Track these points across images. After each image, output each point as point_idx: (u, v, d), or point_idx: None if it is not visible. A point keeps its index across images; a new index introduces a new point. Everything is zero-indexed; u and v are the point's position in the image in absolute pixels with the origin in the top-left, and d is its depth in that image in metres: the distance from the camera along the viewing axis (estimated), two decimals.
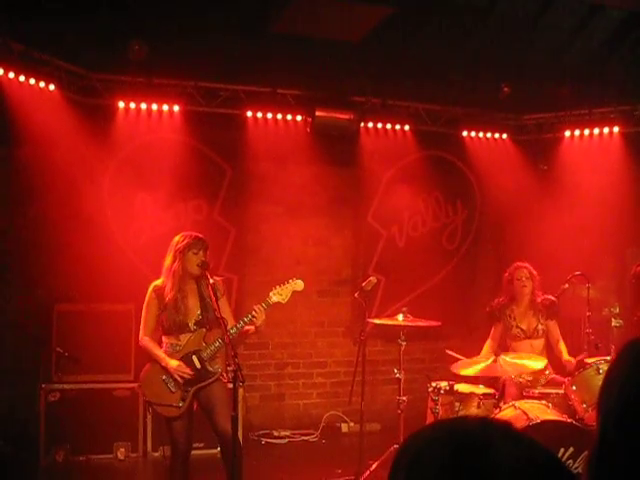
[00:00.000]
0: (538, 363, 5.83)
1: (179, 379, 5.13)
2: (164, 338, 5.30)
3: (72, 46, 7.09)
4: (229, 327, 5.06)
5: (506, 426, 1.16)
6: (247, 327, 5.22)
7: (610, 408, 1.49)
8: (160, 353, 5.20)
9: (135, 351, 7.31)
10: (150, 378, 5.27)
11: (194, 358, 5.17)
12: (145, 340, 5.28)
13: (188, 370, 5.13)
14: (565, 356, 6.42)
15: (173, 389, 5.16)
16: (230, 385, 4.80)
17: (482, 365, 5.83)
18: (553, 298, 6.57)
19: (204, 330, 5.22)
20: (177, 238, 5.31)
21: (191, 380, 5.16)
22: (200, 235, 5.33)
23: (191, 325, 5.22)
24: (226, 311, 5.24)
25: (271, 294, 5.28)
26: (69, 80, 7.36)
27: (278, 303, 5.29)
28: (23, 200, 7.31)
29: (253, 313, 5.17)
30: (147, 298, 5.31)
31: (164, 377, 5.18)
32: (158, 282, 5.31)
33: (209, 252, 5.32)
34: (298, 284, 5.36)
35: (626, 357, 1.57)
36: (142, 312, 5.36)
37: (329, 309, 8.83)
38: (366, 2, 7.28)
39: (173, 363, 5.14)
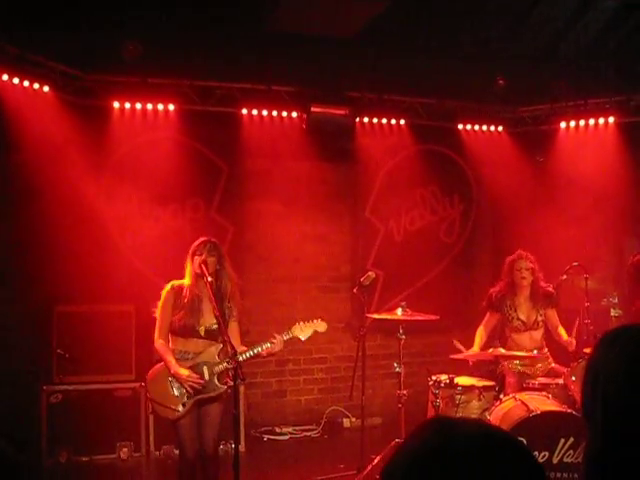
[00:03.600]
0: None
1: (189, 389, 5.11)
2: (171, 339, 5.25)
3: (66, 47, 7.08)
4: (243, 350, 5.09)
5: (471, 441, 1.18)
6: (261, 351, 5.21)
7: (597, 406, 1.50)
8: (171, 360, 5.16)
9: (136, 351, 7.34)
10: (157, 377, 5.27)
11: (204, 368, 5.14)
12: (159, 344, 5.24)
13: (198, 379, 5.10)
14: (565, 337, 6.42)
15: (176, 393, 5.14)
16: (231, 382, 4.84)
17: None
18: (551, 289, 6.57)
19: (221, 345, 5.18)
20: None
21: (195, 389, 5.14)
22: (206, 238, 5.36)
23: (201, 332, 5.20)
24: (234, 333, 5.26)
25: (294, 328, 5.26)
26: (64, 81, 7.35)
27: (297, 338, 5.28)
28: (20, 202, 7.30)
29: (272, 340, 5.14)
30: (162, 298, 5.28)
31: (170, 379, 5.16)
32: (176, 282, 5.32)
33: (220, 251, 5.36)
34: (321, 326, 5.35)
35: (609, 349, 1.57)
36: (157, 314, 5.30)
37: (328, 305, 8.83)
38: None
39: (183, 372, 5.10)
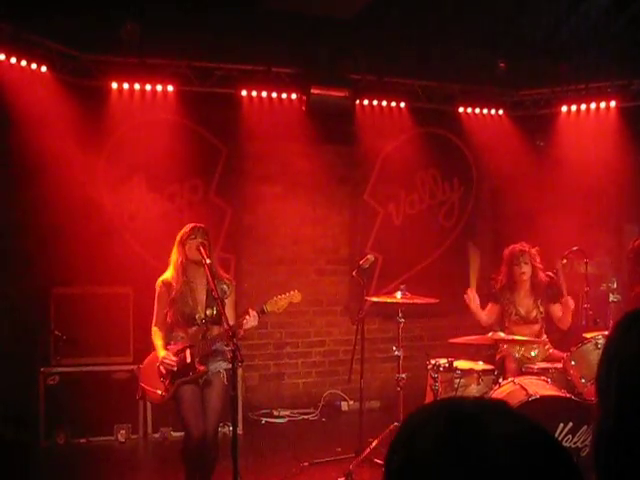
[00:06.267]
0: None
1: (162, 370, 5.16)
2: (174, 328, 5.32)
3: (64, 27, 7.01)
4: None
5: (499, 402, 1.21)
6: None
7: (611, 384, 1.48)
8: (158, 342, 5.25)
9: (133, 333, 7.33)
10: (150, 363, 5.34)
11: (187, 352, 5.18)
12: (153, 331, 5.34)
13: (171, 361, 5.13)
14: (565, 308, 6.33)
15: (162, 377, 5.20)
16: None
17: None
18: (553, 275, 6.48)
19: (205, 328, 5.22)
20: (180, 232, 5.36)
21: (176, 373, 5.16)
22: (198, 224, 5.37)
23: (198, 318, 5.23)
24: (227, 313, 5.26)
25: (268, 303, 5.24)
26: (61, 62, 7.29)
27: (273, 312, 5.28)
28: (17, 183, 7.25)
29: (246, 317, 5.12)
30: (157, 291, 5.33)
31: (158, 364, 5.21)
32: (165, 276, 5.34)
33: (209, 237, 5.35)
34: (295, 296, 5.31)
35: (627, 330, 1.55)
36: (154, 304, 5.35)
37: (327, 288, 8.83)
38: None
39: (162, 353, 5.18)
